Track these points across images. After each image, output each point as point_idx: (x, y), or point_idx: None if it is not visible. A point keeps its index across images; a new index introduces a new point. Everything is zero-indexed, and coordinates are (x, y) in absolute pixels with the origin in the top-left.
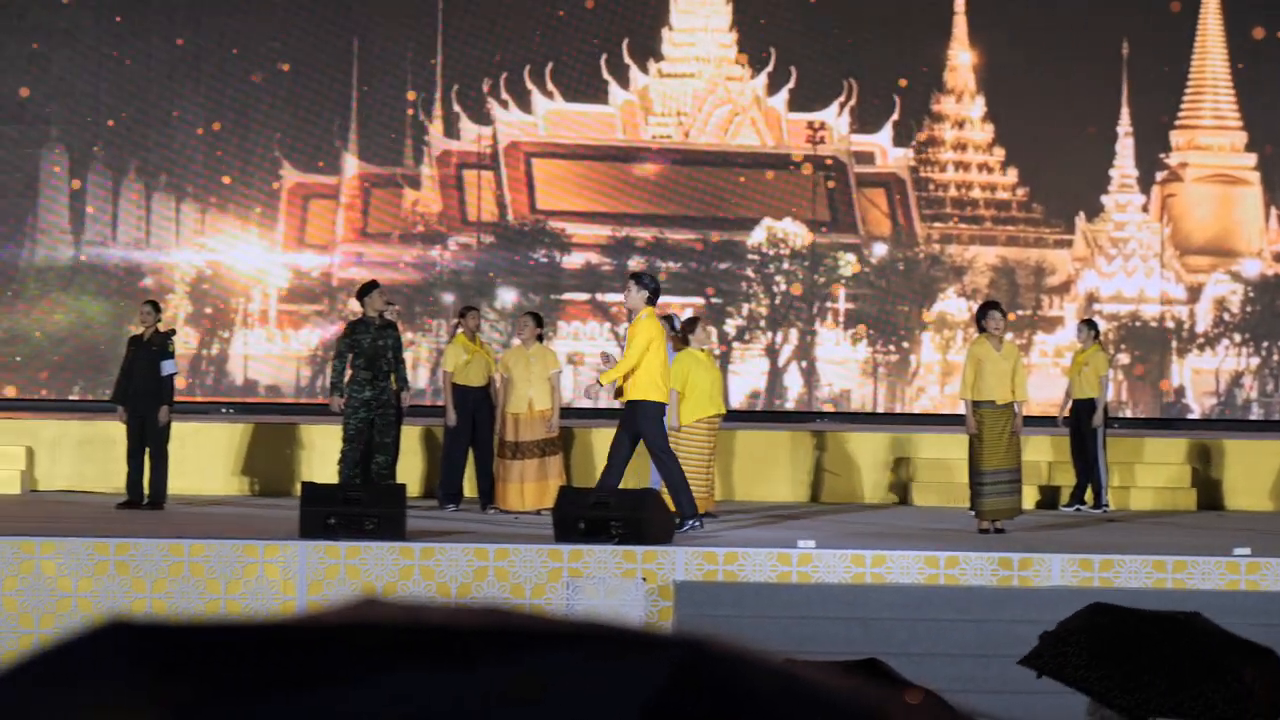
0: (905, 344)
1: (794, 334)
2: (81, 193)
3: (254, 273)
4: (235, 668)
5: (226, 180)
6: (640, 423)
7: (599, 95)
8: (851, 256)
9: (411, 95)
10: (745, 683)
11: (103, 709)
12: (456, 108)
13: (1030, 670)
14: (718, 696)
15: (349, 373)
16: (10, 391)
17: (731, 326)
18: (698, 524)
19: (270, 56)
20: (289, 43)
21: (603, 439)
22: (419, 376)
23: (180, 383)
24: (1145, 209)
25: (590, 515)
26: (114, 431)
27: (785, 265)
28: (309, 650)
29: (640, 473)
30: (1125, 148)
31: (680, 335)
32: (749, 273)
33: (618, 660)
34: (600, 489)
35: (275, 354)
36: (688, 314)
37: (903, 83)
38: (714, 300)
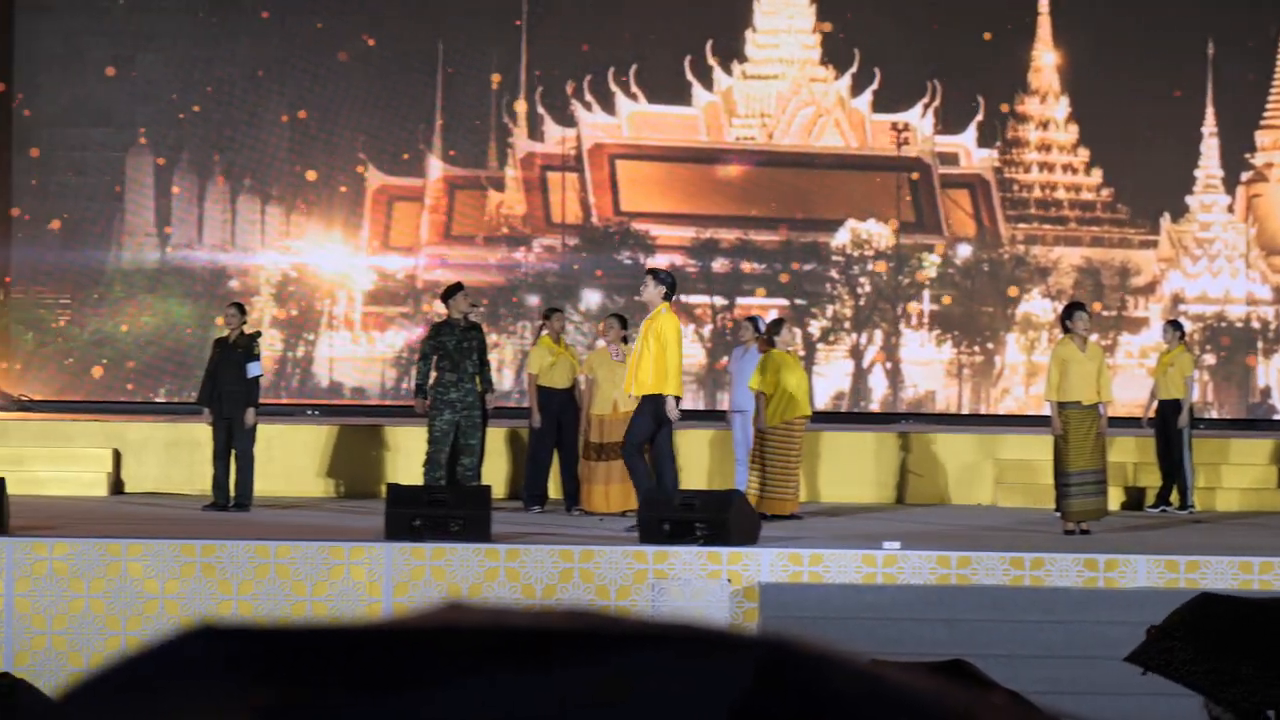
0: (990, 345)
1: (878, 335)
2: (167, 195)
3: (339, 275)
4: (321, 671)
5: (311, 177)
6: (639, 412)
7: (683, 97)
8: (936, 257)
9: (496, 97)
10: (831, 683)
11: (190, 712)
12: (541, 110)
13: (1131, 668)
14: (803, 697)
15: (434, 375)
16: (97, 394)
17: (816, 328)
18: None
19: (355, 59)
20: (373, 47)
21: (689, 441)
22: (504, 378)
23: (265, 384)
24: (1230, 209)
25: (675, 517)
26: (200, 434)
27: (869, 266)
28: (395, 653)
29: (725, 474)
30: (1210, 148)
31: (766, 337)
32: (833, 274)
33: (703, 661)
34: (671, 492)
35: (360, 356)
36: (772, 315)
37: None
38: (798, 302)
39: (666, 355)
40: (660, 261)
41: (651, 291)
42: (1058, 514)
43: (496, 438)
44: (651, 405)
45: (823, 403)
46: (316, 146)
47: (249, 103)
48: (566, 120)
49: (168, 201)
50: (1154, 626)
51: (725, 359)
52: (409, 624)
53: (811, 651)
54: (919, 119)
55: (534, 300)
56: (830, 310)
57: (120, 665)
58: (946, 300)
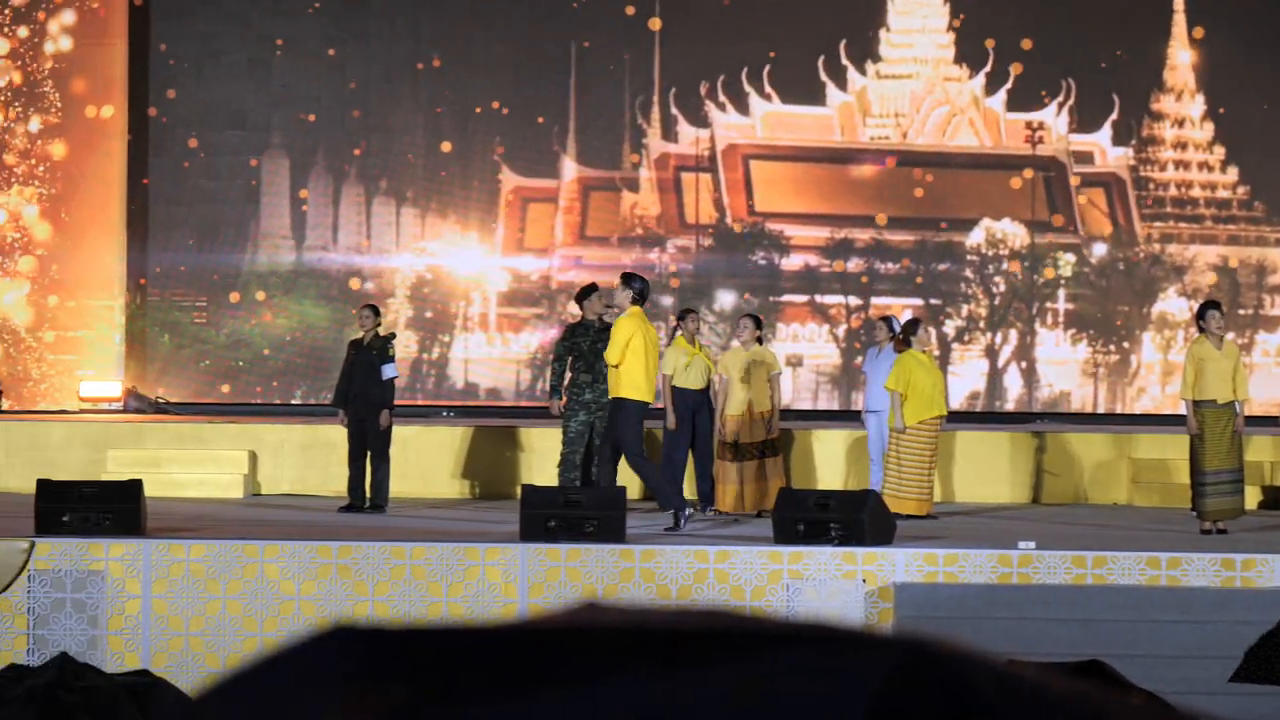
0: (1125, 344)
1: (1013, 335)
2: (302, 198)
3: (474, 276)
4: (458, 671)
5: (445, 178)
6: (619, 422)
7: (817, 97)
8: (1071, 256)
9: (630, 98)
10: (969, 683)
11: (326, 713)
12: (674, 111)
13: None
14: (941, 697)
15: (568, 375)
16: (233, 396)
17: (950, 328)
18: (686, 514)
19: (489, 63)
20: (507, 49)
21: (823, 440)
22: None
23: (400, 386)
24: None
25: (810, 517)
26: (336, 435)
27: (1004, 266)
28: (531, 653)
29: (860, 475)
30: None
31: (901, 337)
32: (968, 274)
33: (842, 661)
34: (659, 496)
35: (495, 357)
36: (907, 315)
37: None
38: (933, 302)
39: (636, 360)
40: (794, 262)
41: (621, 296)
42: (1194, 513)
43: None
44: (626, 409)
45: (958, 402)
46: (451, 148)
47: (383, 105)
48: (700, 121)
49: (302, 204)
50: (1251, 645)
51: (860, 359)
52: (546, 624)
53: (951, 652)
54: (1053, 118)
55: (668, 301)
56: (965, 310)
57: (258, 665)
58: (1082, 299)
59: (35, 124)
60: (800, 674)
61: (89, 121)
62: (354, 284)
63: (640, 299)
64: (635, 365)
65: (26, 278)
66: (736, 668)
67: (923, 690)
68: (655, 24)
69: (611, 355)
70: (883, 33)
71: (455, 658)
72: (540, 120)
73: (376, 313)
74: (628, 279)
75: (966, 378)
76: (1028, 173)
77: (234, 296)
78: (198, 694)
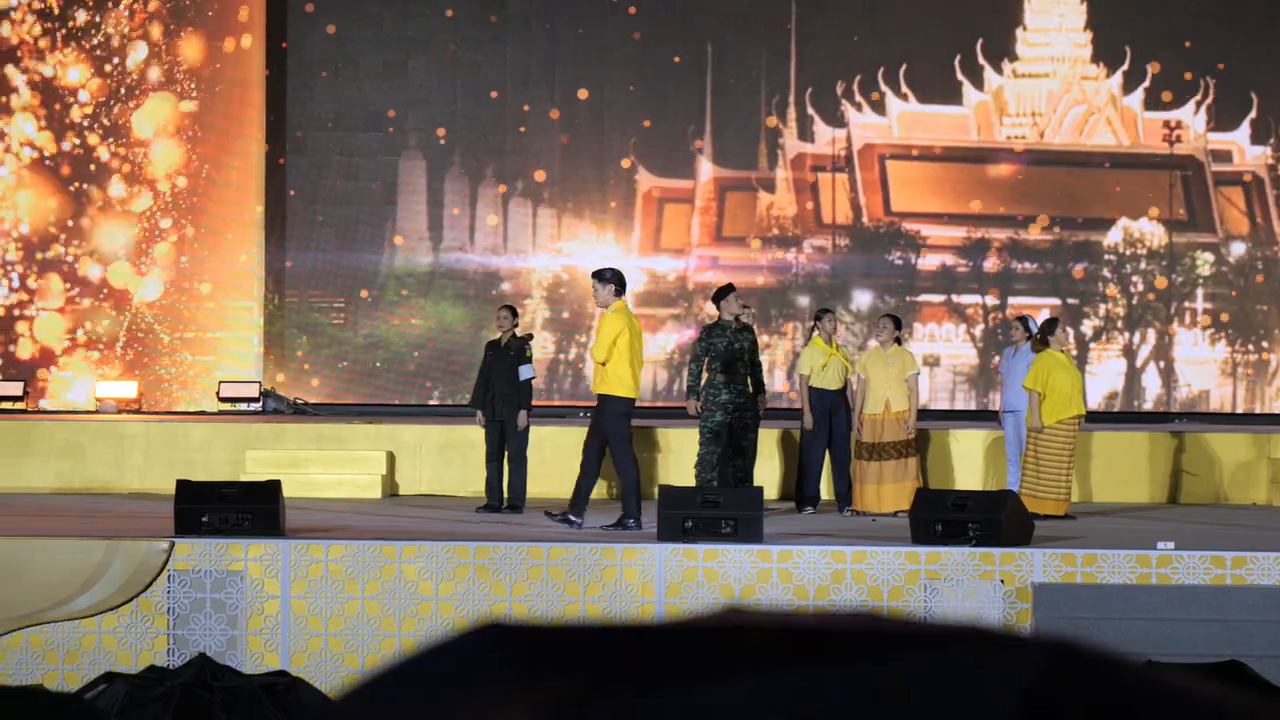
0: (1265, 343)
1: (1151, 334)
2: (439, 199)
3: None
4: (608, 669)
5: (581, 182)
6: (606, 418)
7: (953, 96)
8: (1209, 256)
9: (766, 98)
10: (1115, 686)
11: (476, 710)
12: (810, 111)
13: None
14: (1088, 700)
15: (706, 376)
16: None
17: (1088, 327)
18: (633, 524)
19: (625, 63)
20: (644, 50)
21: (961, 441)
22: (775, 379)
23: (537, 387)
24: None
25: (948, 517)
26: (473, 436)
27: (1142, 265)
28: (680, 652)
29: (998, 475)
30: None
31: (1039, 336)
32: (1105, 273)
33: (988, 663)
34: (577, 495)
35: None
36: (1044, 315)
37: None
38: (1070, 301)
39: (615, 354)
40: (931, 262)
41: (603, 293)
42: None
43: (768, 439)
44: (613, 405)
45: (1095, 402)
46: (587, 149)
47: (519, 106)
48: (836, 121)
49: (440, 205)
50: None
51: (996, 359)
52: (691, 624)
53: (1097, 653)
54: (1191, 116)
55: (805, 301)
56: (1103, 309)
57: (408, 662)
58: (1220, 299)
59: (172, 128)
60: (947, 676)
61: (226, 124)
62: (491, 285)
63: (621, 291)
64: (621, 362)
65: (166, 280)
66: (883, 669)
67: (1069, 693)
68: (772, 39)
69: (599, 353)
70: (1019, 31)
71: (607, 654)
72: (677, 121)
73: (514, 313)
74: (603, 275)
75: (1104, 377)
76: (1165, 172)
77: (371, 297)
78: (348, 690)
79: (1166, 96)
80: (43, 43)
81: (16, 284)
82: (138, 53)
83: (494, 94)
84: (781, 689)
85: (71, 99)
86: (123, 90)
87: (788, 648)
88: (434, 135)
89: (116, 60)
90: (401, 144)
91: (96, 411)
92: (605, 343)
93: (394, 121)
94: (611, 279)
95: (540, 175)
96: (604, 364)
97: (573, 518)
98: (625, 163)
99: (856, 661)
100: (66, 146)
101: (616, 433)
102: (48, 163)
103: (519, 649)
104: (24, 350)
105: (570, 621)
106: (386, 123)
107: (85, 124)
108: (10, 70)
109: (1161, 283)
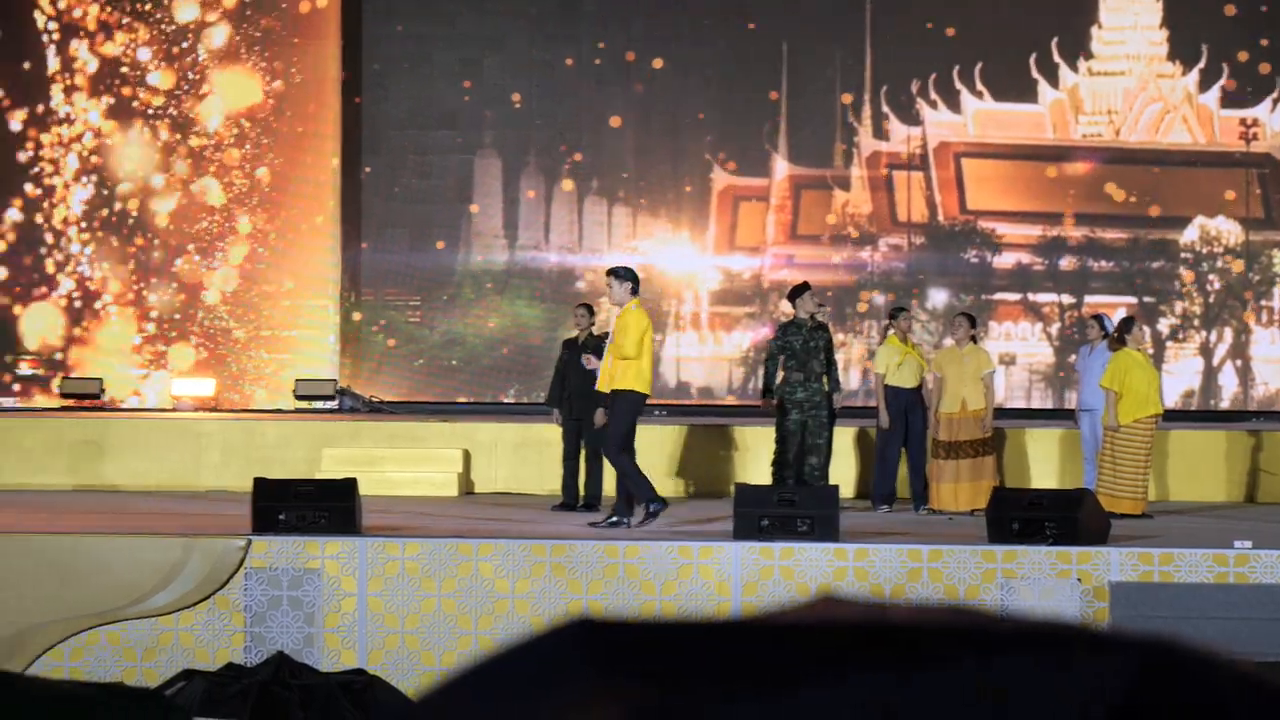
0: None
1: (1228, 333)
2: (515, 197)
3: (685, 275)
4: (700, 665)
5: (656, 180)
6: (617, 412)
7: (1029, 94)
8: None
9: (844, 99)
10: (1213, 685)
11: (564, 707)
12: (885, 109)
13: None
14: (1183, 699)
15: (781, 374)
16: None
17: (1164, 326)
18: (624, 522)
19: (700, 61)
20: (718, 48)
21: (1037, 439)
22: (851, 378)
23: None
24: None
25: (1024, 516)
26: (549, 434)
27: (1218, 263)
28: (773, 648)
29: (1074, 473)
30: None
31: (1116, 335)
32: (1181, 271)
33: (1085, 660)
34: (629, 494)
35: (707, 356)
36: (1120, 314)
37: None
38: (1146, 300)
39: (638, 350)
40: (1007, 260)
41: (619, 291)
42: None
43: (844, 437)
44: (628, 400)
45: (1172, 401)
46: (662, 147)
47: (595, 105)
48: (911, 119)
49: (515, 204)
50: None
51: (1073, 357)
52: (785, 619)
53: (1194, 652)
54: (1268, 114)
55: (880, 299)
56: (1179, 308)
57: (495, 658)
58: None
59: (247, 123)
60: (1042, 672)
61: (302, 126)
62: (567, 283)
63: (636, 290)
64: (646, 357)
65: (243, 278)
66: (977, 667)
67: (1165, 692)
68: (847, 37)
69: (630, 348)
70: (1095, 29)
71: (696, 652)
72: (751, 119)
73: (591, 311)
74: (620, 273)
75: (1181, 376)
76: (1241, 170)
77: (447, 296)
78: (434, 686)
79: (1237, 92)
80: (118, 33)
81: (90, 277)
82: (211, 40)
83: (569, 92)
84: (871, 689)
85: (144, 89)
86: (194, 80)
87: (880, 645)
88: (509, 134)
89: (188, 45)
90: (477, 142)
91: (173, 409)
92: (636, 338)
93: (470, 119)
94: (628, 277)
95: (615, 173)
96: (627, 360)
97: (620, 523)
98: (701, 161)
99: (949, 661)
100: (139, 137)
101: (624, 428)
102: (117, 153)
103: (606, 646)
104: (97, 348)
105: (659, 618)
106: (462, 120)
107: (155, 114)
108: (83, 52)
109: (1238, 281)
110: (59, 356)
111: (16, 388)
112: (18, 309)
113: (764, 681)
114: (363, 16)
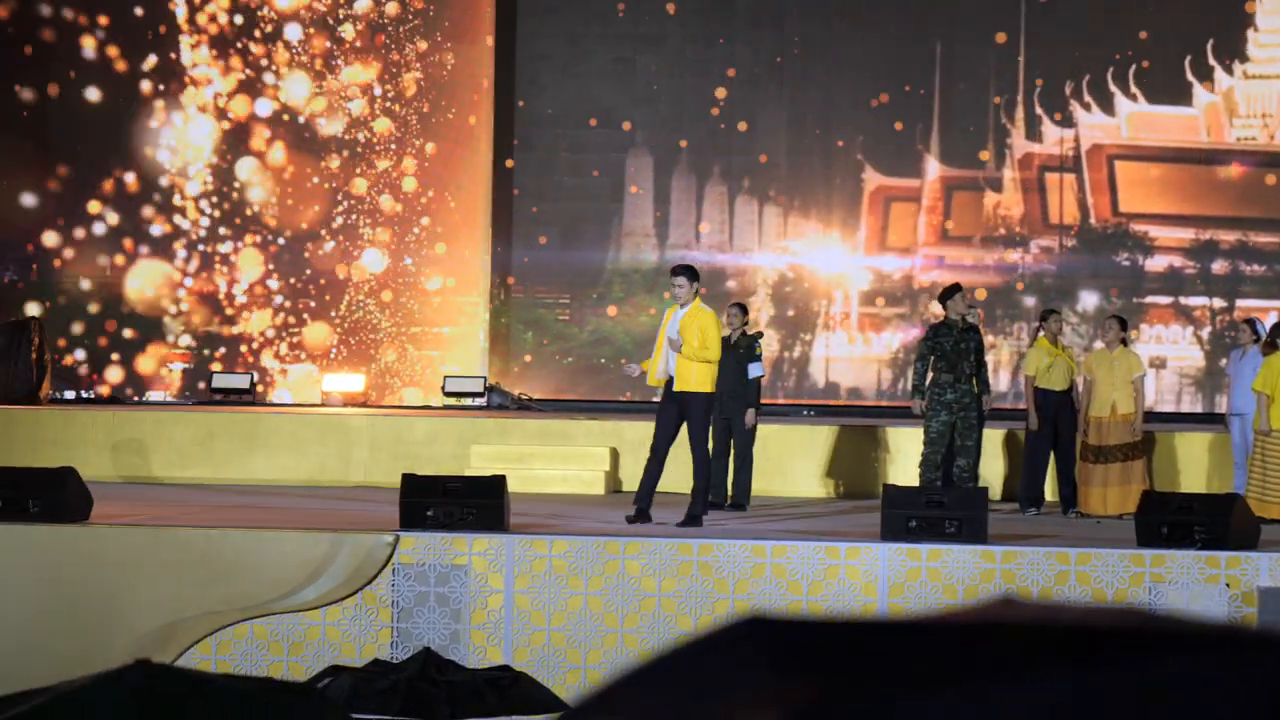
0: None
1: None
2: (666, 195)
3: (836, 275)
4: (873, 665)
5: (807, 180)
6: (696, 414)
7: (1183, 97)
8: None
9: (996, 100)
10: None
11: (737, 707)
12: (1038, 110)
13: None
14: None
15: (931, 375)
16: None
17: None
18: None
19: (853, 62)
20: (871, 48)
21: (1187, 443)
22: (1000, 380)
23: (763, 384)
24: None
25: (1173, 520)
26: None
27: None
28: (947, 649)
29: (1224, 477)
30: None
31: (1269, 339)
32: None
33: (1253, 663)
34: (645, 489)
35: (856, 356)
36: (1273, 318)
37: None
38: None
39: (711, 353)
40: (1159, 263)
41: (689, 290)
42: None
43: (993, 439)
44: (701, 402)
45: None
46: (814, 147)
47: (746, 103)
48: (1064, 121)
49: (666, 201)
50: None
51: (1224, 361)
52: (960, 619)
53: None
54: None
55: (1030, 301)
56: None
57: (669, 655)
58: None
59: (401, 120)
60: (1211, 675)
61: (455, 121)
62: (717, 282)
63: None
64: (717, 360)
65: (395, 274)
66: (1144, 669)
67: None
68: (1000, 38)
69: (714, 350)
70: (1250, 32)
71: (868, 651)
72: (904, 119)
73: (745, 311)
74: (689, 273)
75: None
76: None
77: (597, 293)
78: (606, 682)
79: None
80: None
81: (244, 279)
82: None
83: (722, 91)
84: (1043, 692)
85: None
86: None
87: (1049, 647)
88: (661, 132)
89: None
90: (628, 141)
91: (323, 404)
92: (717, 339)
93: (621, 117)
94: (697, 277)
95: (766, 172)
96: (709, 363)
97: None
98: (853, 161)
99: (1120, 662)
100: (290, 131)
101: (705, 430)
102: (264, 149)
103: (780, 645)
104: (246, 342)
105: (832, 616)
106: (614, 118)
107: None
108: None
109: None
110: (206, 351)
111: (168, 381)
112: (165, 300)
113: (933, 684)
114: (517, 11)
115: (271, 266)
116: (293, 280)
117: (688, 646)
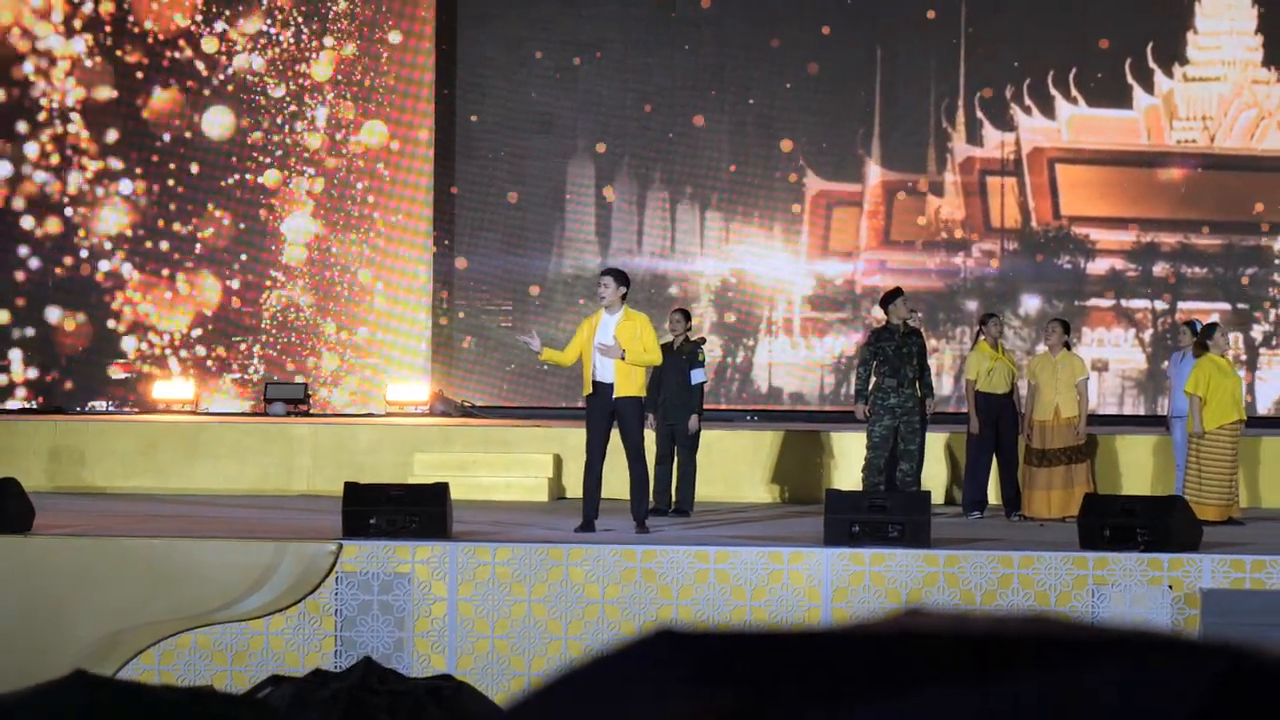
0: None
1: None
2: (607, 203)
3: (778, 281)
4: (779, 678)
5: (748, 185)
6: (633, 422)
7: (1123, 100)
8: None
9: (934, 102)
10: None
11: (652, 716)
12: (979, 114)
13: None
14: (1265, 708)
15: (874, 380)
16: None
17: (1258, 332)
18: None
19: (793, 67)
20: (811, 54)
21: (1129, 446)
22: (943, 384)
23: (706, 390)
24: None
25: (1116, 522)
26: None
27: None
28: (852, 662)
29: (1166, 480)
30: None
31: (1199, 341)
32: (1276, 278)
33: (1162, 671)
34: (592, 500)
35: (799, 361)
36: (1212, 319)
37: None
38: (1240, 306)
39: (653, 356)
40: (1100, 266)
41: (616, 294)
42: None
43: (936, 443)
44: (637, 408)
45: (1266, 408)
46: (755, 152)
47: (688, 109)
48: (1005, 125)
49: (607, 209)
50: None
51: (1165, 363)
52: (868, 630)
53: (1271, 661)
54: None
55: (972, 305)
56: (1274, 314)
57: (580, 669)
58: None
59: (341, 126)
60: (1119, 684)
61: (397, 127)
62: (659, 289)
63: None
64: (659, 361)
65: (336, 282)
66: (1055, 677)
67: (1245, 701)
68: (941, 42)
69: (655, 353)
70: (1190, 35)
71: (778, 662)
72: (845, 123)
73: (687, 317)
74: (619, 276)
75: (1275, 383)
76: None
77: (539, 301)
78: (521, 696)
79: None
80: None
81: (180, 288)
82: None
83: (663, 97)
84: (951, 702)
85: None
86: (291, 82)
87: (959, 657)
88: (602, 138)
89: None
90: (571, 148)
91: (264, 414)
92: (656, 342)
93: (563, 125)
94: (627, 282)
95: (707, 179)
96: (646, 365)
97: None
98: (794, 166)
99: (1028, 671)
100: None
101: (642, 432)
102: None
103: (690, 656)
104: (182, 354)
105: (742, 628)
106: (556, 126)
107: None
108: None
109: None
110: (144, 368)
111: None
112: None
113: (843, 694)
114: (457, 18)
115: (198, 268)
116: (227, 286)
117: (600, 661)
